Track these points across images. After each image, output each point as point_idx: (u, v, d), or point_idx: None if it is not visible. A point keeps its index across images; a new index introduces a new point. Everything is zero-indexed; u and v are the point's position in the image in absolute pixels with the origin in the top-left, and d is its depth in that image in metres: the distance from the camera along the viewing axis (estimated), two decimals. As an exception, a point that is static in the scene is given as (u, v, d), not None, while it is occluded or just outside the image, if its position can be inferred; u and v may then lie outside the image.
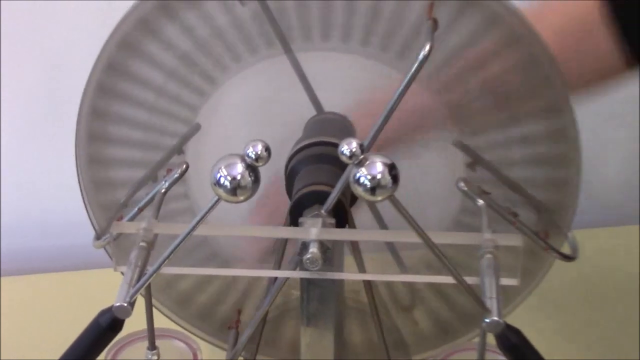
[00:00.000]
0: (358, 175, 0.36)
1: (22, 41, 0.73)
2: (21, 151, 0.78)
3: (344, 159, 0.36)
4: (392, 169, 0.36)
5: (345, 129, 0.50)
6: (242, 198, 0.36)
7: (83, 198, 0.49)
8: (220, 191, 0.36)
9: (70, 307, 0.70)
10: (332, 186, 0.42)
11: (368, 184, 0.36)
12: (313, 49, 0.47)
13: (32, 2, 0.71)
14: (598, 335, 0.66)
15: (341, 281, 0.45)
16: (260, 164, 0.36)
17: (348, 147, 0.35)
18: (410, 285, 0.52)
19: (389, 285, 0.52)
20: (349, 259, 0.45)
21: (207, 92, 0.48)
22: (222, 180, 0.36)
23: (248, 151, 0.36)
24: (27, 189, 0.79)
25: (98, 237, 0.48)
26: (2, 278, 0.74)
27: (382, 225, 0.52)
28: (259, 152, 0.36)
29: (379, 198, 0.36)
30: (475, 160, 0.46)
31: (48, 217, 0.80)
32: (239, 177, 0.36)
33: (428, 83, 0.45)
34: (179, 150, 0.48)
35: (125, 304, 0.39)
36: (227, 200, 0.37)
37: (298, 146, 0.47)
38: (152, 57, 0.46)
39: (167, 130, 0.48)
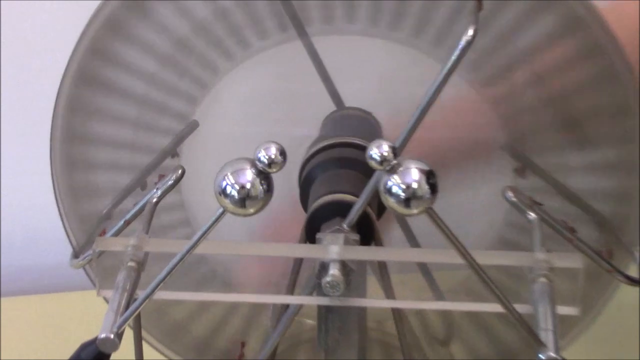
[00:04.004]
0: (390, 183, 0.36)
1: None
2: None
3: (373, 164, 0.36)
4: (429, 176, 0.36)
5: (370, 127, 0.50)
6: (252, 210, 0.36)
7: (59, 208, 0.50)
8: (227, 202, 0.36)
9: (52, 332, 0.70)
10: (356, 195, 0.42)
11: (402, 194, 0.36)
12: (332, 33, 0.48)
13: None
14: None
15: (364, 309, 0.46)
16: (274, 170, 0.36)
17: (378, 150, 0.35)
18: (446, 314, 0.52)
19: (420, 314, 0.52)
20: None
21: (207, 85, 0.48)
22: (228, 189, 0.36)
23: (260, 155, 0.35)
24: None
25: (76, 255, 0.49)
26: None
27: (413, 241, 0.52)
28: (273, 156, 0.35)
29: (415, 211, 0.36)
30: (525, 166, 0.46)
31: (22, 232, 0.80)
32: (248, 185, 0.36)
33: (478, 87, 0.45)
34: (173, 152, 0.49)
35: (112, 336, 0.39)
36: (234, 213, 0.36)
37: (315, 148, 0.47)
38: (143, 40, 0.47)
39: (159, 129, 0.49)
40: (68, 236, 0.50)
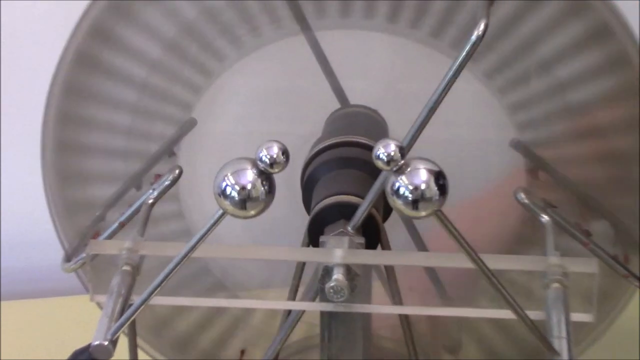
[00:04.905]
0: (397, 185, 0.36)
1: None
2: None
3: (380, 164, 0.35)
4: (438, 177, 0.36)
5: (376, 125, 0.50)
6: (252, 212, 0.36)
7: (49, 208, 0.50)
8: (226, 203, 0.36)
9: (47, 338, 0.70)
10: (361, 197, 0.42)
11: (409, 196, 0.35)
12: (337, 27, 0.48)
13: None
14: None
15: (369, 315, 0.46)
16: (276, 170, 0.36)
17: (385, 150, 0.35)
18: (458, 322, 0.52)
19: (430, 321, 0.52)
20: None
21: (206, 80, 0.48)
22: (228, 190, 0.36)
23: (261, 155, 0.35)
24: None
25: (68, 258, 0.49)
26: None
27: (420, 244, 0.52)
28: (275, 156, 0.35)
29: (423, 213, 0.36)
30: (538, 166, 0.46)
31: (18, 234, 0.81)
32: (249, 186, 0.36)
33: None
34: (169, 151, 0.49)
35: (106, 343, 0.39)
36: (234, 215, 0.36)
37: (318, 147, 0.47)
38: (135, 39, 0.47)
39: (158, 125, 0.49)
40: (59, 238, 0.50)
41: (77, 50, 0.46)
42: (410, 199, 0.35)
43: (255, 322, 0.55)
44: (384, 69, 0.51)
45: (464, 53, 0.39)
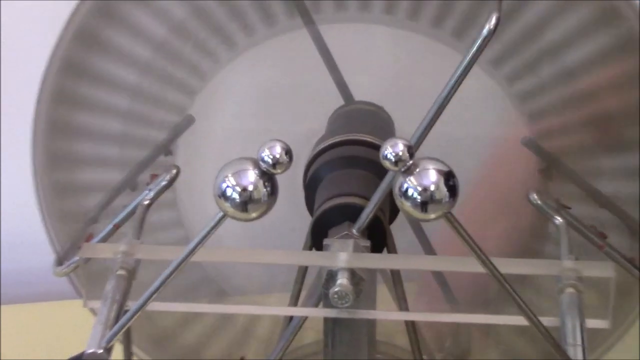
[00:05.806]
0: (406, 186, 0.35)
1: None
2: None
3: (387, 165, 0.35)
4: (448, 178, 0.35)
5: (382, 123, 0.50)
6: (254, 215, 0.36)
7: (41, 209, 0.49)
8: (227, 205, 0.36)
9: (41, 343, 0.70)
10: (367, 198, 0.42)
11: (418, 197, 0.35)
12: (342, 21, 0.47)
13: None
14: None
15: (373, 321, 0.45)
16: (279, 171, 0.35)
17: (393, 149, 0.35)
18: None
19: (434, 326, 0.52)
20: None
21: (204, 76, 0.48)
22: (229, 191, 0.36)
23: (263, 155, 0.35)
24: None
25: (60, 261, 0.48)
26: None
27: (428, 247, 0.52)
28: (278, 156, 0.35)
29: (432, 216, 0.35)
30: (551, 165, 0.46)
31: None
32: (251, 187, 0.35)
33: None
34: (166, 149, 0.48)
35: (100, 351, 0.39)
36: (234, 218, 0.36)
37: (321, 146, 0.47)
38: (134, 29, 0.46)
39: (152, 124, 0.48)
40: (51, 240, 0.50)
41: (77, 28, 0.46)
42: (419, 200, 0.35)
43: (241, 322, 0.55)
44: (390, 64, 0.51)
45: (475, 47, 0.38)
